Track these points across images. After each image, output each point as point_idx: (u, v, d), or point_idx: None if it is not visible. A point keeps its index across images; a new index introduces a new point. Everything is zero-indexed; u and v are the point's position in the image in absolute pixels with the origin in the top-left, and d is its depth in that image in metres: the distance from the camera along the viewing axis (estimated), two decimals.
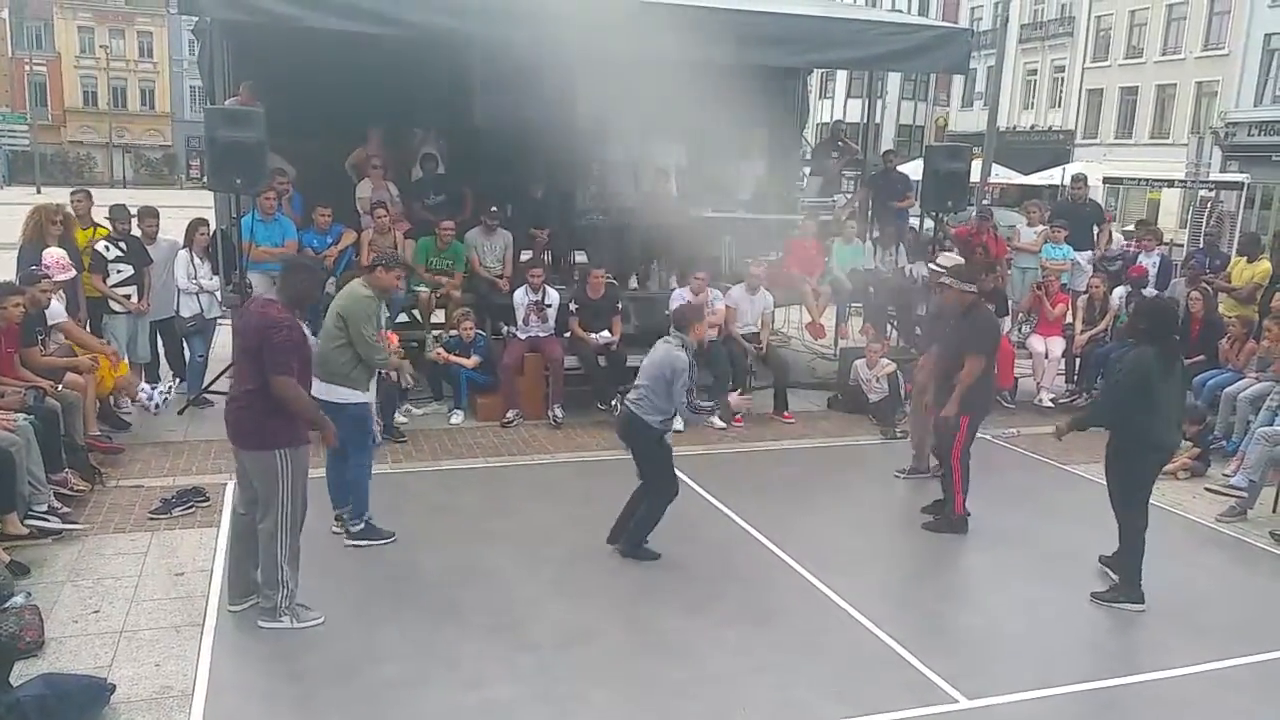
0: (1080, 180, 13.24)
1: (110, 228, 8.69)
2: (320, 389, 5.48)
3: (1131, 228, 14.72)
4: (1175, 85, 36.01)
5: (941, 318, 7.21)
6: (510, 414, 8.89)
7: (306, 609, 5.05)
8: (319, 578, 5.33)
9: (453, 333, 9.14)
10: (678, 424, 8.85)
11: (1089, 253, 11.75)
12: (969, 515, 6.70)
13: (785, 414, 9.42)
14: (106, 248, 8.47)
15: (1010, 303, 10.75)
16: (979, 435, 6.94)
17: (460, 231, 9.76)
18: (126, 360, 8.62)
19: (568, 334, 9.18)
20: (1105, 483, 5.85)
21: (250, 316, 5.07)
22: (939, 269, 7.71)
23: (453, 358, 8.94)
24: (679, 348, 5.95)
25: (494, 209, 9.80)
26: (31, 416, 6.15)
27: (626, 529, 6.11)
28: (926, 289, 7.87)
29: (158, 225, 9.14)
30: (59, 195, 10.37)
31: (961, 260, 8.18)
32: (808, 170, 12.75)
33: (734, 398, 7.17)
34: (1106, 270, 11.23)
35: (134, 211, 8.95)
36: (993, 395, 6.92)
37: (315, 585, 5.23)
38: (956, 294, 6.70)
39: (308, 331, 5.29)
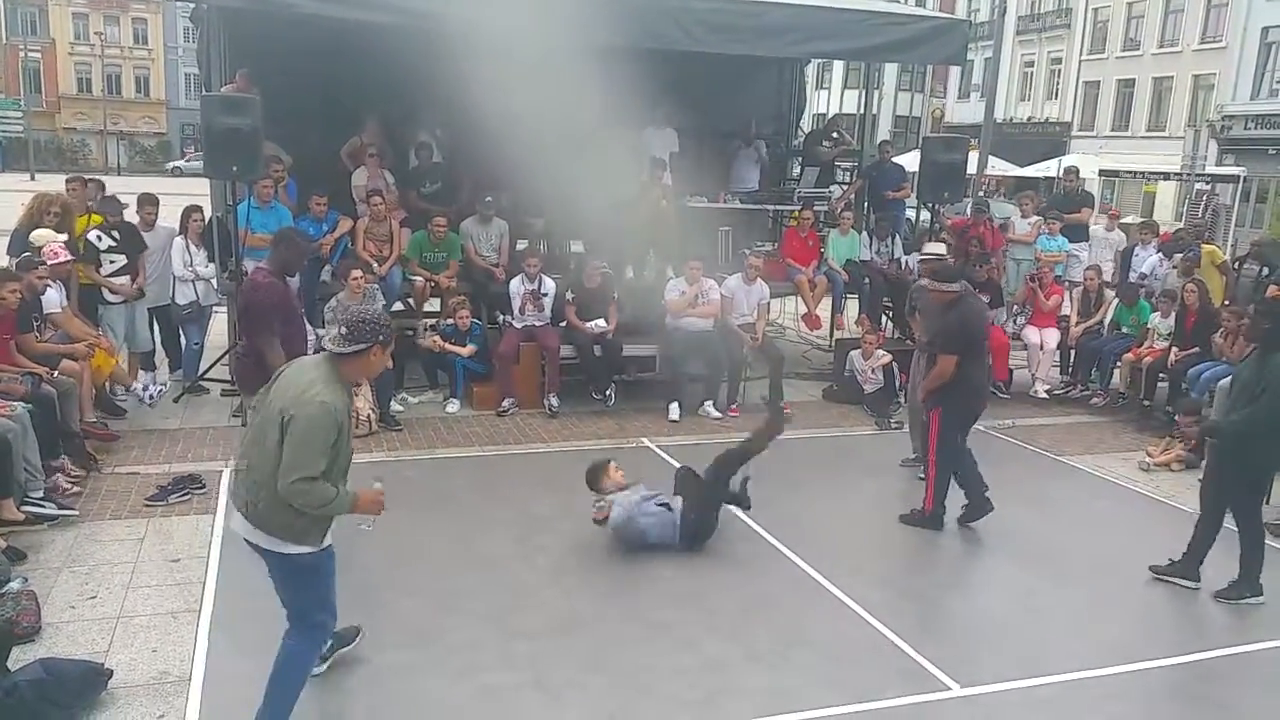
0: (1072, 172, 13.29)
1: (104, 219, 8.67)
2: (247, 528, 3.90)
3: (1129, 220, 14.76)
4: (1172, 78, 36.05)
5: (926, 314, 7.19)
6: (506, 403, 8.90)
7: None
8: None
9: (449, 321, 9.14)
10: (673, 413, 8.94)
11: (1085, 243, 11.80)
12: (944, 512, 6.69)
13: (780, 404, 9.43)
14: (99, 237, 8.45)
15: (1005, 294, 10.78)
16: (975, 427, 6.97)
17: (455, 221, 9.76)
18: (126, 350, 8.62)
19: (563, 323, 9.19)
20: (1212, 488, 5.90)
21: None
22: (928, 256, 7.74)
23: (449, 346, 8.95)
24: None
25: (488, 198, 9.79)
26: (28, 404, 6.15)
27: None
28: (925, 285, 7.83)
29: (156, 212, 9.12)
30: (53, 182, 10.34)
31: (944, 250, 8.19)
32: (800, 160, 12.74)
33: None
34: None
35: (127, 202, 8.92)
36: (976, 395, 6.74)
37: None
38: (939, 295, 6.66)
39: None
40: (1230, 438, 5.73)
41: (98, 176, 10.91)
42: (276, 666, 3.93)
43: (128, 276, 8.54)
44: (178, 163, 53.27)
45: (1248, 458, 5.67)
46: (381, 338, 3.82)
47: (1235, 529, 5.85)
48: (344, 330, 3.80)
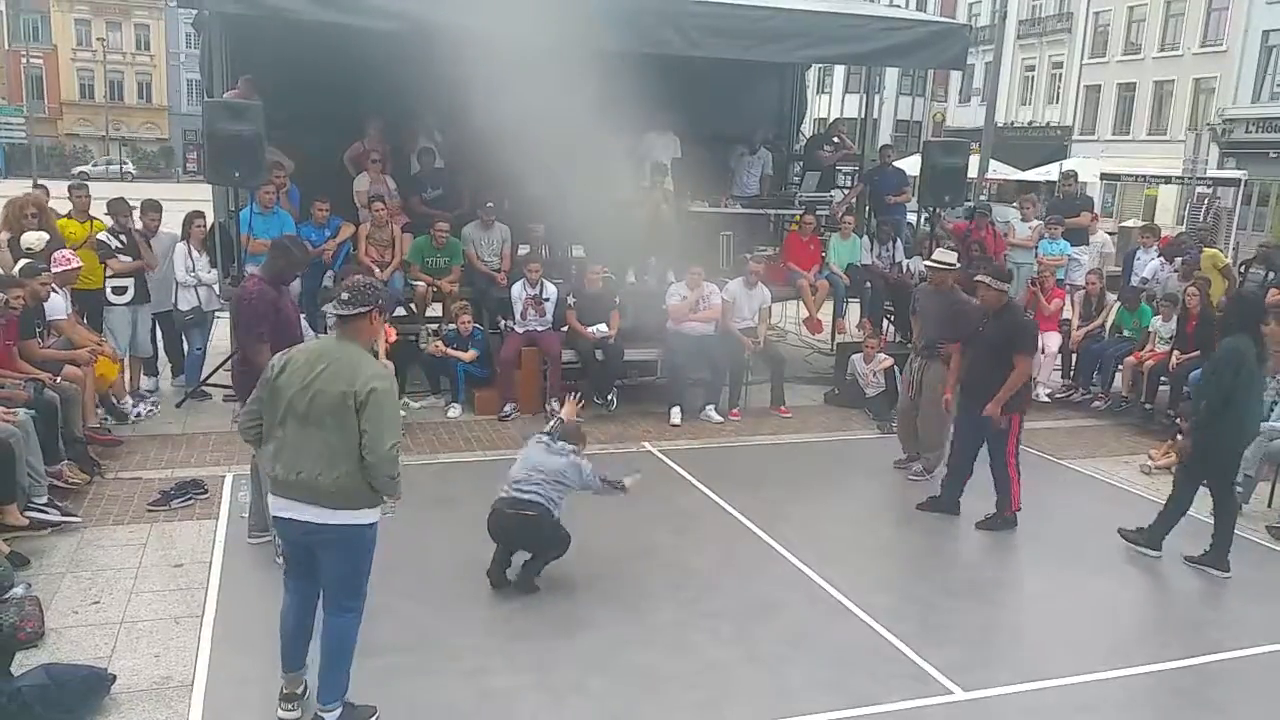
0: (1070, 176, 13.27)
1: (114, 222, 8.69)
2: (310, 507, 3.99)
3: (1130, 224, 14.75)
4: (1173, 82, 36.00)
5: (960, 317, 7.22)
6: (507, 408, 8.91)
7: None
8: None
9: (450, 326, 9.15)
10: (675, 417, 8.95)
11: (1085, 247, 11.80)
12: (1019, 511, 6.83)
13: (781, 408, 9.44)
14: (108, 238, 8.50)
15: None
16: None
17: (457, 226, 9.77)
18: (127, 357, 8.63)
19: (565, 328, 9.19)
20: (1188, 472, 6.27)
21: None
22: (936, 264, 7.72)
23: (450, 351, 8.96)
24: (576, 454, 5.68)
25: (489, 204, 9.80)
26: (31, 409, 6.17)
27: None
28: (928, 288, 7.82)
29: (159, 219, 9.15)
30: (55, 188, 10.35)
31: (955, 258, 8.15)
32: (801, 164, 12.75)
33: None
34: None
35: (135, 204, 8.96)
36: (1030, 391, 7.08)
37: None
38: (995, 294, 6.68)
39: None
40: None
41: (44, 183, 11.12)
42: (333, 644, 4.12)
43: (132, 280, 8.56)
44: (83, 167, 51.38)
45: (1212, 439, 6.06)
46: (381, 301, 4.08)
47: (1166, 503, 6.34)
48: (345, 296, 4.02)
